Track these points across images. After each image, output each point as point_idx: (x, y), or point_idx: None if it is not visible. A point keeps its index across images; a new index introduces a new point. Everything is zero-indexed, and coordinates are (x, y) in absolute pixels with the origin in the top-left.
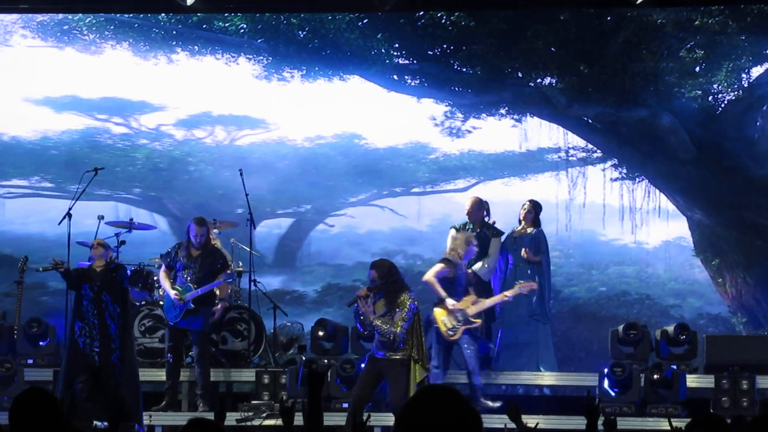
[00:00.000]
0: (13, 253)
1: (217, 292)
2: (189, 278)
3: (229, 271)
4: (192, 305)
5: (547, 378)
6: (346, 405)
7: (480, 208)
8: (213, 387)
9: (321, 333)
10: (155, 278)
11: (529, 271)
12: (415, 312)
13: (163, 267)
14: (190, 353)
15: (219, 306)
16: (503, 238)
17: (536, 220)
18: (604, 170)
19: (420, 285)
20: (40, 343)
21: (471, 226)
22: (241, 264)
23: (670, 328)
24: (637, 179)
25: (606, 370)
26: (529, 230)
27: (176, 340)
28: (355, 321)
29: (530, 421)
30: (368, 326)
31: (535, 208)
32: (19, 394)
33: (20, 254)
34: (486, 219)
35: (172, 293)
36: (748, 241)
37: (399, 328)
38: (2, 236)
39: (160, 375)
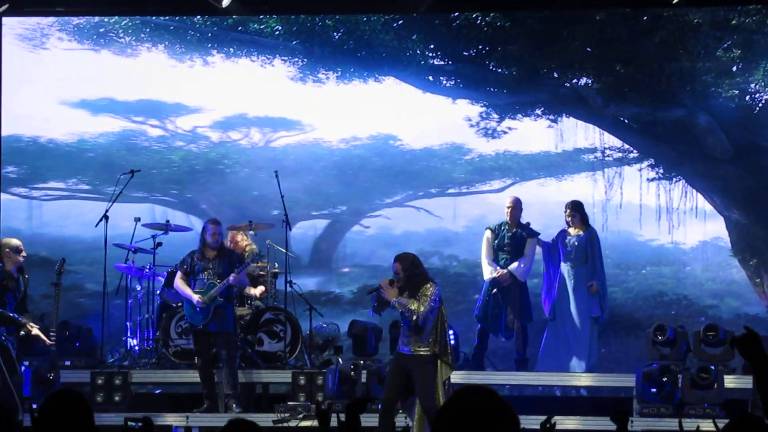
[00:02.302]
0: (50, 256)
1: (256, 293)
2: (210, 277)
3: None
4: (221, 299)
5: (584, 379)
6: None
7: (520, 207)
8: (249, 388)
9: (357, 334)
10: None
11: (585, 272)
12: (439, 301)
13: (180, 274)
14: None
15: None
16: (538, 239)
17: (584, 219)
18: (640, 170)
19: (454, 286)
20: (77, 344)
21: (507, 227)
22: (276, 265)
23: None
24: (674, 179)
25: (643, 371)
26: (581, 231)
27: (203, 343)
28: (371, 306)
29: (566, 421)
30: (384, 307)
31: (576, 208)
32: (50, 395)
33: (57, 256)
34: (520, 219)
35: (195, 297)
36: None
37: (423, 308)
38: (39, 238)
39: (197, 377)
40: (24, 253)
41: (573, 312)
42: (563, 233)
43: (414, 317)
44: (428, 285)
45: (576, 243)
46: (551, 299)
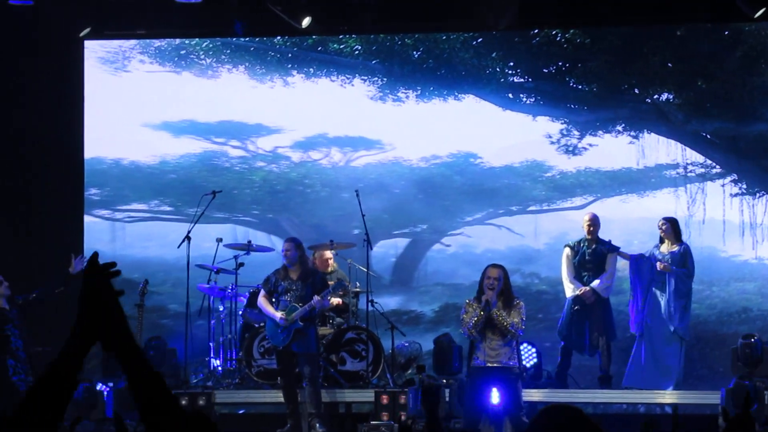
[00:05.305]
0: (133, 277)
1: (335, 301)
2: (292, 299)
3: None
4: (301, 323)
5: (668, 396)
6: None
7: (599, 223)
8: (332, 408)
9: (439, 353)
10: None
11: (675, 287)
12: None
13: (263, 293)
14: None
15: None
16: (620, 252)
17: (678, 234)
18: (723, 186)
19: (536, 304)
20: (161, 365)
21: (586, 243)
22: (358, 284)
23: None
24: (758, 194)
25: (728, 388)
26: (675, 246)
27: (286, 363)
28: (471, 323)
29: None
30: (478, 327)
31: (670, 223)
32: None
33: (140, 278)
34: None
35: (278, 315)
36: None
37: (518, 320)
38: (122, 260)
39: (280, 397)
40: (6, 283)
41: (662, 328)
42: (656, 248)
43: (513, 329)
44: (519, 300)
45: (670, 258)
46: (641, 315)
